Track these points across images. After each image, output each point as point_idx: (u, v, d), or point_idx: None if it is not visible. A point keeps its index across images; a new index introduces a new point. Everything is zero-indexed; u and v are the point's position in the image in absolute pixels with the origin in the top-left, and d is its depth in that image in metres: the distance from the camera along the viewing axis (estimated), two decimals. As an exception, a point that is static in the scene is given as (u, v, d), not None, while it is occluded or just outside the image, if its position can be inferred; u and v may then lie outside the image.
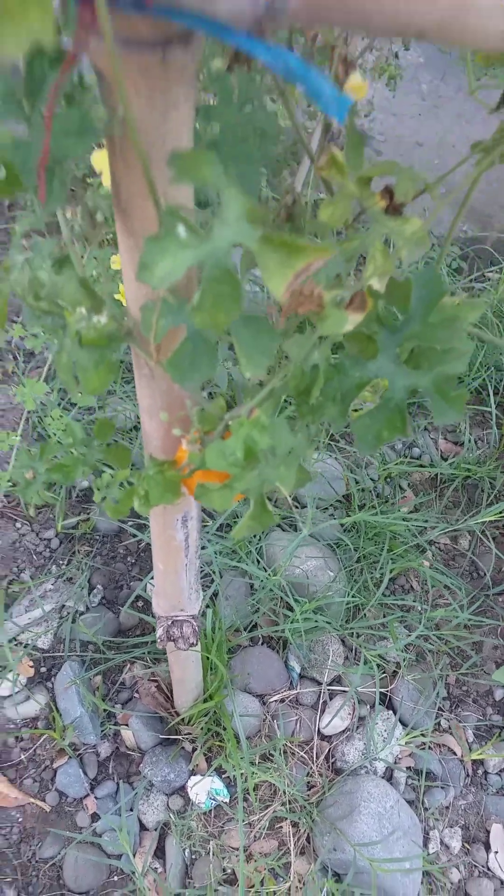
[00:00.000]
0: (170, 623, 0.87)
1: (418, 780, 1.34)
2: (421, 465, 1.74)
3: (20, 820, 1.17)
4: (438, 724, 1.42)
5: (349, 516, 1.55)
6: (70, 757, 1.25)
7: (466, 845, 1.32)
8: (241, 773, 1.22)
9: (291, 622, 1.38)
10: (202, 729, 1.29)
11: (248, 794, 1.25)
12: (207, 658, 1.23)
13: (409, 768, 1.36)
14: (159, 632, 0.88)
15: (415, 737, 1.37)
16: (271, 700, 1.38)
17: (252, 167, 0.47)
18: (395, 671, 1.44)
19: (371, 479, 1.68)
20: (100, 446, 0.56)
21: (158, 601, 0.87)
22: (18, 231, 0.52)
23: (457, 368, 0.58)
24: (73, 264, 0.50)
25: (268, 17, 0.30)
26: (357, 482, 1.64)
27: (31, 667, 1.34)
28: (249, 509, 0.52)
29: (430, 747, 1.37)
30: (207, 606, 1.35)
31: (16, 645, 1.36)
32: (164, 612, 0.88)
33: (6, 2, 0.23)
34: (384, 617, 1.49)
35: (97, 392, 0.48)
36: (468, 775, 1.38)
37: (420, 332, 0.57)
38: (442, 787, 1.36)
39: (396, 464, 1.68)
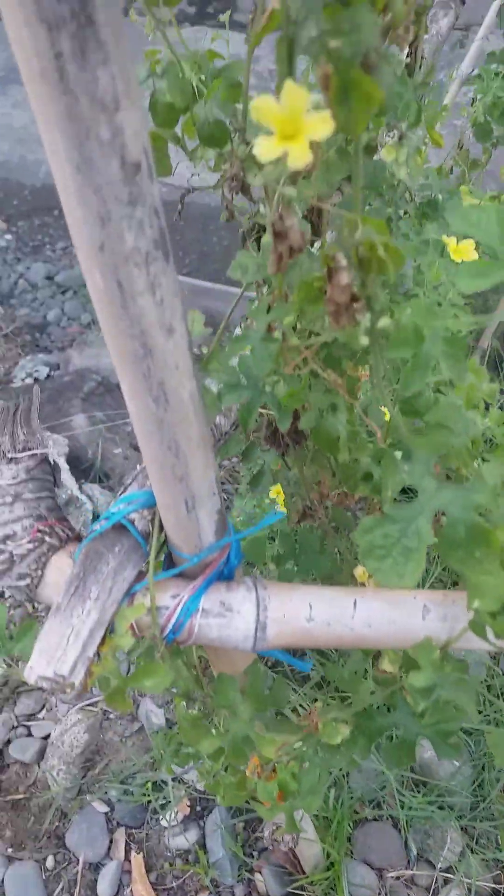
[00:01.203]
0: (275, 827, 1.19)
1: None
2: None
3: (166, 941, 1.54)
4: (553, 933, 1.55)
5: (487, 706, 1.74)
6: (210, 892, 1.60)
7: None
8: (347, 945, 1.48)
9: (410, 809, 1.61)
10: (322, 890, 1.57)
11: None
12: (328, 830, 1.52)
13: None
14: (266, 833, 1.20)
15: (525, 942, 1.52)
16: (388, 875, 1.62)
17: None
18: (511, 871, 1.60)
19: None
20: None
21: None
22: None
23: (454, 727, 0.85)
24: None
25: (257, 648, 0.64)
26: (499, 667, 1.82)
27: (189, 806, 1.72)
28: (286, 819, 0.83)
29: None
30: (335, 782, 1.64)
31: (179, 783, 1.75)
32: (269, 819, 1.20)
33: (148, 667, 0.59)
34: (508, 813, 1.65)
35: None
36: None
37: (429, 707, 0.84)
38: None
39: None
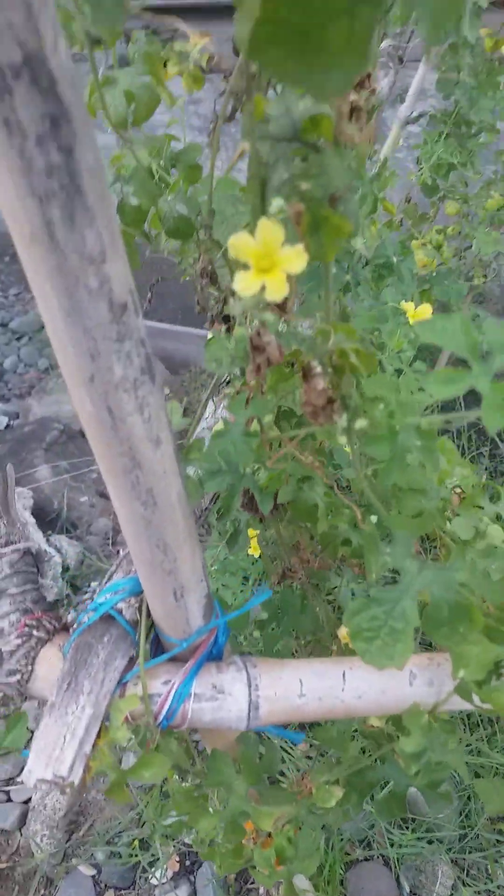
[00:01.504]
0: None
1: None
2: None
3: None
4: None
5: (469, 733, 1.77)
6: None
7: None
8: None
9: (400, 847, 1.62)
10: (318, 938, 1.56)
11: None
12: (320, 875, 1.51)
13: None
14: (261, 890, 1.19)
15: None
16: (383, 916, 1.61)
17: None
18: (503, 901, 1.61)
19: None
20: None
21: (260, 865, 1.19)
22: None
23: (443, 777, 0.86)
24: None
25: (250, 727, 0.65)
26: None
27: (178, 861, 1.70)
28: (284, 884, 0.83)
29: None
30: (324, 826, 1.63)
31: (167, 839, 1.73)
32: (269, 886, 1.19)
33: (145, 758, 0.59)
34: (497, 843, 1.67)
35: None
36: None
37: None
38: None
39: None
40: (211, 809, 0.68)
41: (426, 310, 0.83)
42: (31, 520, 2.47)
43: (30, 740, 0.63)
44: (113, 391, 0.41)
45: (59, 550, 2.32)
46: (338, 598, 1.66)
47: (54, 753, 0.56)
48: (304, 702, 0.63)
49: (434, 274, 1.16)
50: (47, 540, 2.39)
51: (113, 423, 0.42)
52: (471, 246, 1.70)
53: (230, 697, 0.62)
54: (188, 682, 0.62)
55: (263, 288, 0.39)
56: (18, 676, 0.63)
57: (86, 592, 2.29)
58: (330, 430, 0.50)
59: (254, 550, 1.15)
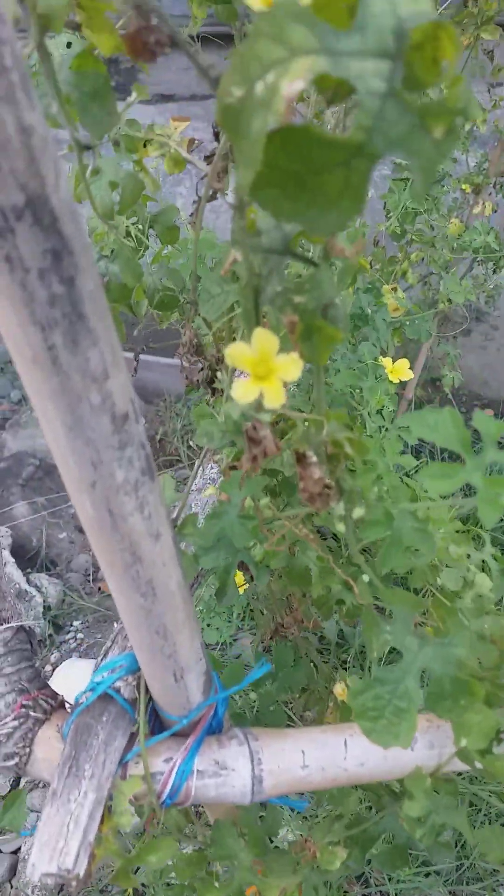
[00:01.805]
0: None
1: None
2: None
3: None
4: None
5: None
6: None
7: None
8: None
9: (398, 882, 1.61)
10: None
11: None
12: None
13: None
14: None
15: None
16: None
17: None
18: (501, 931, 1.61)
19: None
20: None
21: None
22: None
23: (444, 827, 0.85)
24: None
25: (255, 800, 0.64)
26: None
27: (173, 908, 1.67)
28: None
29: None
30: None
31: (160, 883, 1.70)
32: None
33: (152, 842, 0.58)
34: (494, 873, 1.67)
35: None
36: None
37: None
38: None
39: None
40: (216, 883, 0.67)
41: (404, 365, 0.84)
42: (11, 559, 2.44)
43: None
44: (114, 495, 0.41)
45: (39, 590, 2.29)
46: (323, 631, 1.66)
47: (58, 845, 0.55)
48: (307, 773, 0.63)
49: (407, 323, 1.18)
50: (27, 579, 2.36)
51: (114, 523, 0.42)
52: (435, 273, 1.74)
53: (234, 773, 0.62)
54: (190, 758, 0.62)
55: (261, 394, 0.39)
56: (17, 760, 0.62)
57: (68, 632, 2.26)
58: (328, 519, 0.50)
59: (239, 588, 1.15)
